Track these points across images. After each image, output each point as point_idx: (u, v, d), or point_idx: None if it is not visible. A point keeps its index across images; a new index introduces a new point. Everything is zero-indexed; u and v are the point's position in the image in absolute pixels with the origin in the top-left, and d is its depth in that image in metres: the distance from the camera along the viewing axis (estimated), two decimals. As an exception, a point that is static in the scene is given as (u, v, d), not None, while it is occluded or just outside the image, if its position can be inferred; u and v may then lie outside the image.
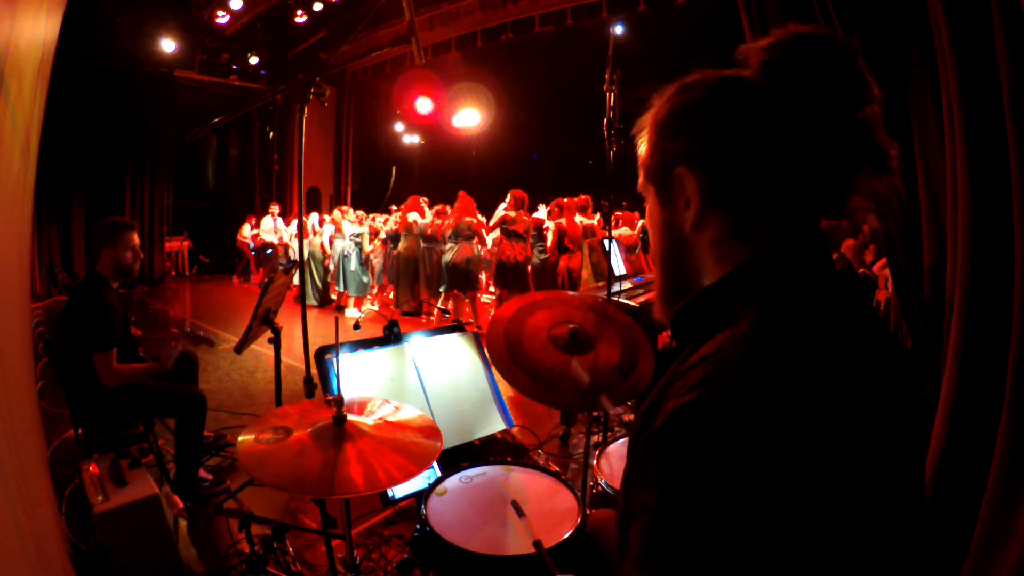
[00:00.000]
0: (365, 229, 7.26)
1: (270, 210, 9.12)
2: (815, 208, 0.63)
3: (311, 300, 7.50)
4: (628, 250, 6.00)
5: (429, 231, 6.37)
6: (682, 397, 0.53)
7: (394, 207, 8.02)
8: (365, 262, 7.18)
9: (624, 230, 6.45)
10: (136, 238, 2.52)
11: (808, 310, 0.59)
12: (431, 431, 1.31)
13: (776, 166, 0.61)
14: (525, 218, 5.96)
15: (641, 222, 7.07)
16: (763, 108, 0.61)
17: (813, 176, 0.61)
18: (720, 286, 0.65)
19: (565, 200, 6.13)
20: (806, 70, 0.60)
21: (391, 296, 7.41)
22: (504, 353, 1.44)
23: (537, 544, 1.12)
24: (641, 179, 0.74)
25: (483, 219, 6.36)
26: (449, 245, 5.95)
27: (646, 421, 0.57)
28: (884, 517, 0.54)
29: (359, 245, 7.11)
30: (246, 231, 9.44)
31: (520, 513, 1.25)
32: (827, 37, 0.61)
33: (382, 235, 7.09)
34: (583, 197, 6.49)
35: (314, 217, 8.30)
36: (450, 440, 1.69)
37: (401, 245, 6.59)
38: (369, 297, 7.36)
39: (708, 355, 0.56)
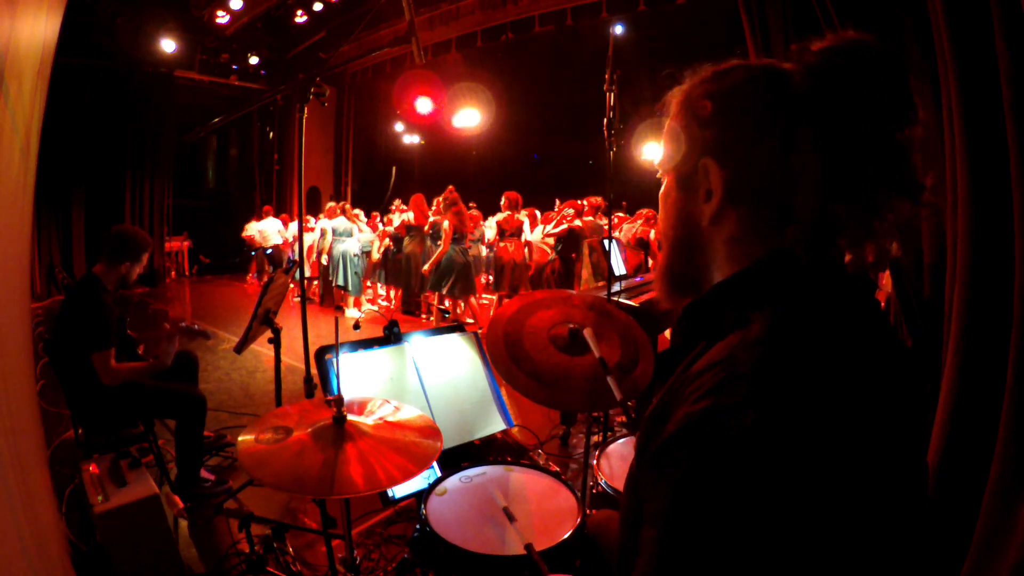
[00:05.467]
0: (372, 236, 7.28)
1: (267, 212, 9.10)
2: (839, 224, 0.59)
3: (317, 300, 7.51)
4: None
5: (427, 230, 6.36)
6: (693, 405, 0.52)
7: (395, 206, 8.02)
8: (375, 267, 7.19)
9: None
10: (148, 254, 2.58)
11: (821, 317, 0.57)
12: (431, 431, 1.31)
13: (808, 174, 0.58)
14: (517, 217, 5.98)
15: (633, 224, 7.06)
16: (803, 112, 0.58)
17: (842, 191, 0.57)
18: (733, 284, 0.64)
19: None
20: (854, 80, 0.57)
21: (391, 296, 7.43)
22: (504, 354, 1.44)
23: (528, 547, 1.12)
24: (661, 159, 0.72)
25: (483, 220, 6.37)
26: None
27: (656, 426, 0.57)
28: (895, 525, 0.54)
29: (367, 253, 7.13)
30: (252, 228, 9.37)
31: (511, 518, 1.25)
32: (883, 50, 0.58)
33: (374, 236, 7.10)
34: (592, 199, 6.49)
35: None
36: (450, 440, 1.69)
37: (405, 245, 6.59)
38: (370, 297, 7.36)
39: (719, 360, 0.55)
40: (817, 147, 0.58)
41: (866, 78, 0.57)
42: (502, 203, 6.32)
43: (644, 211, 7.41)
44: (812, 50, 0.60)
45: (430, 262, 5.62)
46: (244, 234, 9.12)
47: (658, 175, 0.74)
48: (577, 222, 5.80)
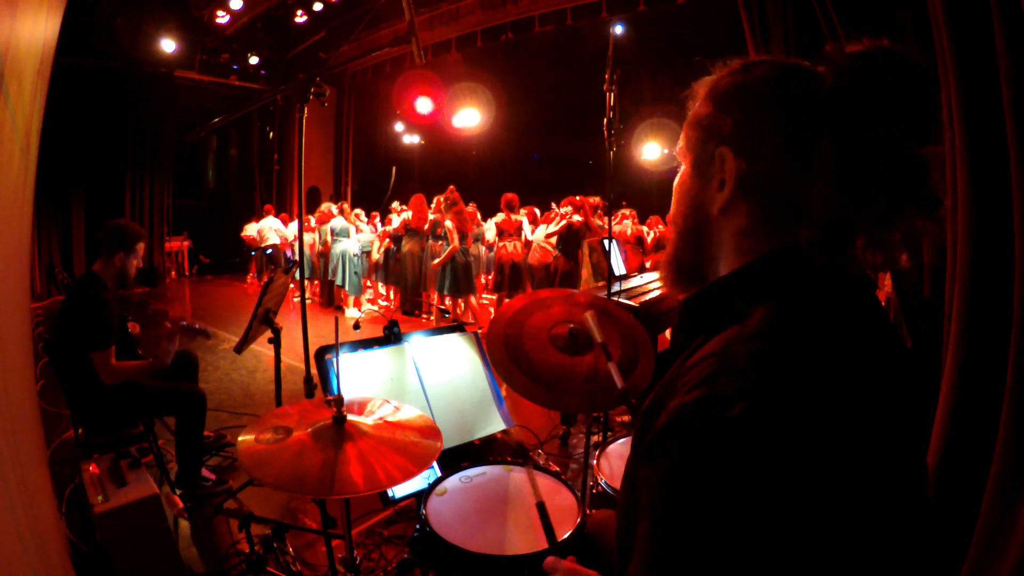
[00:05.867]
0: (372, 236, 7.28)
1: (265, 213, 9.10)
2: (852, 228, 0.59)
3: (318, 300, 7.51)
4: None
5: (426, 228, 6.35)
6: (686, 395, 0.52)
7: (394, 206, 8.01)
8: (375, 267, 7.20)
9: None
10: (144, 247, 2.56)
11: (820, 313, 0.58)
12: (431, 431, 1.31)
13: (823, 176, 0.58)
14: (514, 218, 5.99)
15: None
16: (826, 114, 0.58)
17: (859, 198, 0.57)
18: (736, 278, 0.64)
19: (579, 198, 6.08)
20: (881, 89, 0.57)
21: (391, 296, 7.44)
22: (504, 355, 1.44)
23: (540, 506, 1.10)
24: (681, 145, 0.72)
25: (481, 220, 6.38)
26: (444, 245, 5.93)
27: (650, 418, 0.57)
28: (891, 522, 0.53)
29: (367, 253, 7.14)
30: (251, 228, 9.38)
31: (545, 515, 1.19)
32: (913, 62, 0.57)
33: (377, 239, 7.10)
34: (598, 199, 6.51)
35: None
36: (450, 440, 1.69)
37: (405, 245, 6.59)
38: (370, 297, 7.36)
39: (714, 352, 0.55)
40: (834, 149, 0.57)
41: (894, 88, 0.56)
42: (501, 204, 6.34)
43: (625, 211, 7.40)
44: (845, 52, 0.60)
45: (439, 260, 5.63)
46: (243, 234, 9.13)
47: (676, 165, 0.74)
48: (576, 217, 5.80)
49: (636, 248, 6.48)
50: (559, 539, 1.17)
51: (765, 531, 0.47)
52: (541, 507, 1.10)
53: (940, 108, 0.57)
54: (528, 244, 6.38)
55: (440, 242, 5.83)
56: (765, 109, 0.62)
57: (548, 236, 6.11)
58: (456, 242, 5.55)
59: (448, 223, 5.62)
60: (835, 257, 0.60)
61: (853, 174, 0.57)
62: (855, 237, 0.59)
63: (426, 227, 6.15)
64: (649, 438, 0.55)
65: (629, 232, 6.77)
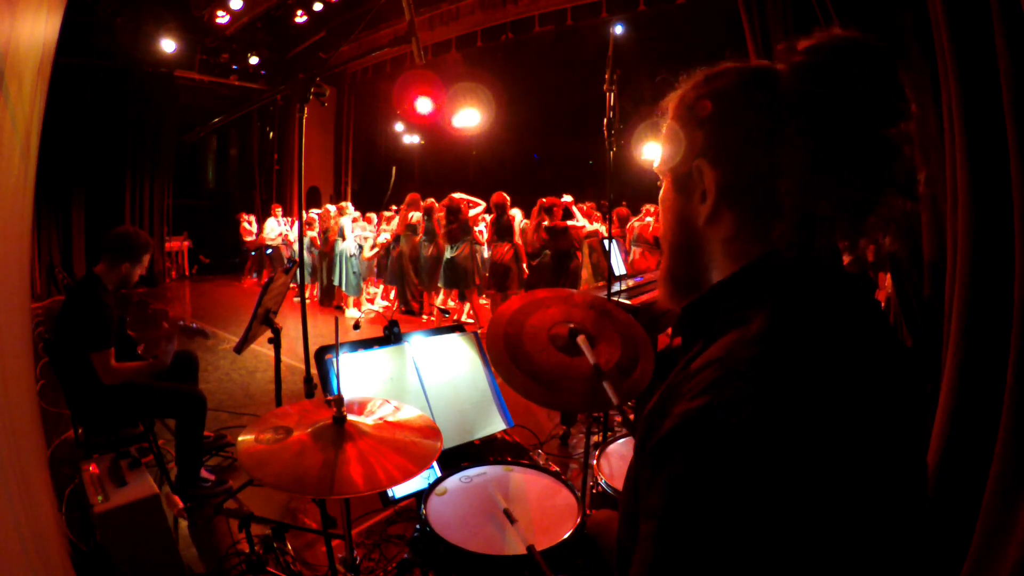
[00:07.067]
0: (370, 232, 7.28)
1: (273, 212, 9.10)
2: (827, 220, 0.59)
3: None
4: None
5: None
6: (691, 401, 0.53)
7: (394, 207, 8.01)
8: (374, 266, 7.21)
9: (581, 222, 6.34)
10: (148, 256, 2.59)
11: (818, 315, 0.58)
12: (431, 431, 1.31)
13: (798, 172, 0.58)
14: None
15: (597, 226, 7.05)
16: (791, 110, 0.58)
17: (834, 188, 0.57)
18: (730, 284, 0.64)
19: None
20: (842, 77, 0.57)
21: (392, 296, 7.44)
22: (504, 354, 1.44)
23: (530, 549, 1.12)
24: (659, 163, 0.73)
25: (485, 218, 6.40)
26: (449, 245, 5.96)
27: (654, 422, 0.57)
28: (893, 523, 0.54)
29: (362, 248, 7.14)
30: (254, 228, 9.37)
31: (512, 520, 1.24)
32: (870, 46, 0.57)
33: (382, 239, 7.11)
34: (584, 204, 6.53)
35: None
36: (450, 440, 1.69)
37: (401, 245, 6.59)
38: (370, 295, 7.35)
39: (717, 358, 0.55)
40: (803, 144, 0.58)
41: (850, 74, 0.57)
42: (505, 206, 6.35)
43: (650, 207, 7.37)
44: (798, 48, 0.60)
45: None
46: (252, 239, 9.12)
47: (658, 183, 0.75)
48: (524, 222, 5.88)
49: (653, 248, 6.45)
50: (559, 539, 1.18)
51: (768, 535, 0.47)
52: (531, 549, 1.12)
53: (903, 87, 0.57)
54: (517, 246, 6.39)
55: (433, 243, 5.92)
56: (733, 116, 0.63)
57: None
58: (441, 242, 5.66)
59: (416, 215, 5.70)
60: (816, 252, 0.60)
61: (826, 166, 0.57)
62: (834, 228, 0.59)
63: (403, 229, 6.26)
64: (653, 443, 0.55)
65: (651, 230, 6.72)
